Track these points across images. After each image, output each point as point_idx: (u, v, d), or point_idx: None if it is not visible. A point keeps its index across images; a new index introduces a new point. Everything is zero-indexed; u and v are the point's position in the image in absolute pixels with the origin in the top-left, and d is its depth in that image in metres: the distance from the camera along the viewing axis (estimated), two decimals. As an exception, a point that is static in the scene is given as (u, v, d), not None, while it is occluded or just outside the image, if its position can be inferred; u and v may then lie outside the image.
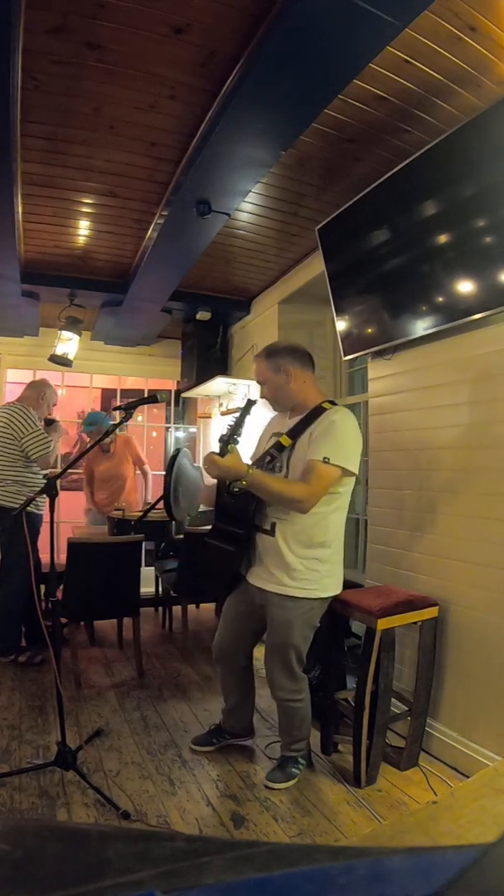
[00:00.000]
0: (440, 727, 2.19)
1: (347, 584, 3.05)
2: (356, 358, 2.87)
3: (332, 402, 1.93)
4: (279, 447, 1.89)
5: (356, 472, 1.84)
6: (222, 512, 1.94)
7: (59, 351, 4.04)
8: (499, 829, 0.60)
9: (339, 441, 1.78)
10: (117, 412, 2.02)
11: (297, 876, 0.33)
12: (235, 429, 1.73)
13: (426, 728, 2.15)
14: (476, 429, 2.15)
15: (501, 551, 2.00)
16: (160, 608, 4.19)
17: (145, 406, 2.35)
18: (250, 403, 1.74)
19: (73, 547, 2.91)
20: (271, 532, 1.86)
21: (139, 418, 5.70)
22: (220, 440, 1.74)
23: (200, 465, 2.43)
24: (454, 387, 2.25)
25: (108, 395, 5.64)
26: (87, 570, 2.90)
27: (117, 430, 3.74)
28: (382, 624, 1.97)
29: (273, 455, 1.89)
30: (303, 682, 1.99)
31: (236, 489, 1.70)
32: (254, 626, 2.05)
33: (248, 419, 1.79)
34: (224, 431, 1.75)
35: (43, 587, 2.46)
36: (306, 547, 1.85)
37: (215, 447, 1.87)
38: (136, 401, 2.00)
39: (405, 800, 1.92)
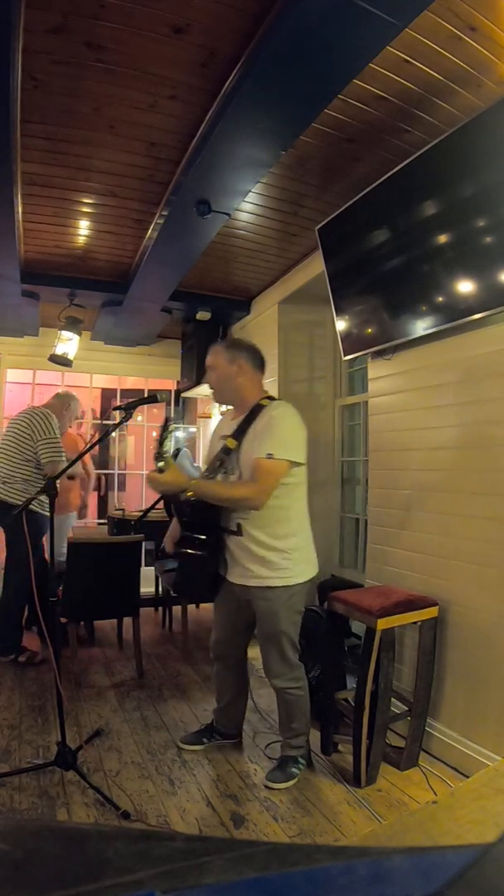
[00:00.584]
0: (440, 727, 2.19)
1: (347, 584, 3.06)
2: (356, 358, 2.87)
3: (271, 398, 1.98)
4: (226, 450, 1.94)
5: (303, 461, 1.90)
6: (186, 522, 2.00)
7: (59, 351, 4.04)
8: (499, 829, 0.59)
9: (281, 435, 1.83)
10: (117, 412, 2.03)
11: (297, 876, 0.33)
12: (160, 446, 1.79)
13: (426, 728, 2.15)
14: (476, 429, 2.15)
15: (501, 551, 2.00)
16: (160, 608, 4.19)
17: (145, 406, 2.36)
18: (167, 420, 1.82)
19: (73, 547, 2.91)
20: (239, 532, 1.90)
21: (139, 418, 5.70)
22: (155, 458, 1.80)
23: (200, 464, 2.43)
24: (454, 387, 2.25)
25: (108, 395, 5.64)
26: (87, 570, 2.90)
27: (116, 430, 3.74)
28: (382, 624, 1.97)
29: (222, 459, 1.95)
30: (299, 669, 2.01)
31: (191, 497, 1.76)
32: (245, 621, 2.08)
33: (169, 434, 1.86)
34: (155, 453, 1.82)
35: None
36: (274, 539, 1.89)
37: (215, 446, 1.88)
38: (135, 401, 2.00)
39: (405, 800, 1.92)
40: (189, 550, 1.99)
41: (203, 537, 1.94)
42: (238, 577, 1.95)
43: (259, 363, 2.03)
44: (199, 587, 2.12)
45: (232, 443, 1.92)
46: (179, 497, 1.79)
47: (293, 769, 2.03)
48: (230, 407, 2.15)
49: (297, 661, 2.00)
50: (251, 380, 2.00)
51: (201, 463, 2.13)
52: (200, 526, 1.95)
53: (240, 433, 1.93)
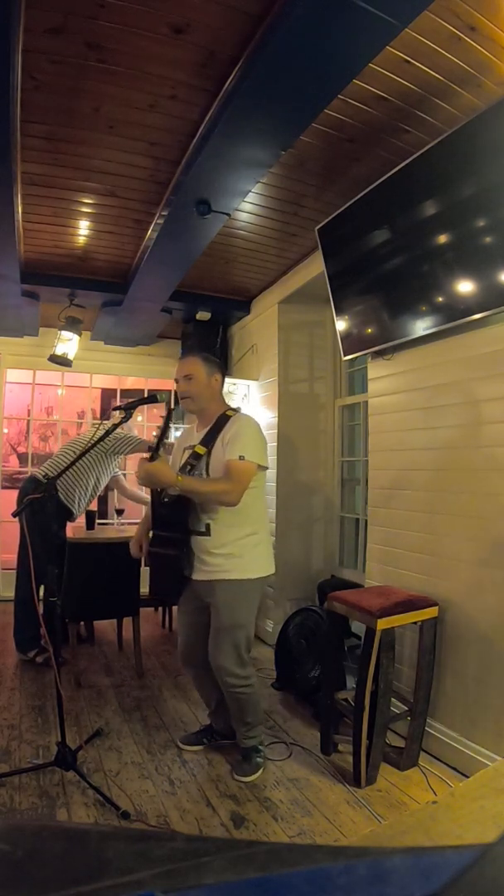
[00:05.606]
0: (440, 727, 2.19)
1: (347, 584, 3.06)
2: (356, 358, 2.87)
3: (235, 410, 2.15)
4: (196, 456, 2.06)
5: (267, 465, 2.08)
6: (159, 521, 2.08)
7: (59, 351, 4.03)
8: (499, 829, 0.59)
9: (249, 441, 1.98)
10: (117, 412, 2.05)
11: (297, 876, 0.33)
12: (162, 437, 1.85)
13: (426, 728, 2.15)
14: (476, 429, 2.15)
15: (502, 551, 2.00)
16: (160, 608, 4.19)
17: (145, 406, 2.37)
18: (170, 412, 1.90)
19: (73, 547, 2.91)
20: (207, 533, 2.02)
21: (139, 418, 5.69)
22: (149, 449, 1.86)
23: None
24: (454, 387, 2.25)
25: (108, 395, 5.63)
26: (87, 569, 2.90)
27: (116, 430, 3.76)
28: (382, 624, 1.98)
29: (192, 464, 2.07)
30: (249, 668, 2.08)
31: (167, 498, 1.85)
32: (208, 621, 2.11)
33: (171, 425, 1.89)
34: (152, 443, 1.88)
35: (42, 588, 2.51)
36: (238, 538, 2.03)
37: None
38: (135, 401, 2.01)
39: (405, 800, 1.92)
40: (161, 550, 2.08)
41: (174, 536, 2.04)
42: (202, 573, 2.04)
43: (224, 379, 2.23)
44: (170, 586, 2.21)
45: (202, 449, 2.05)
46: (162, 495, 1.87)
47: (257, 759, 2.11)
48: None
49: (249, 659, 2.08)
50: (220, 394, 2.19)
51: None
52: (173, 524, 2.05)
53: (208, 441, 2.05)
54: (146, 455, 1.83)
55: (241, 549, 2.01)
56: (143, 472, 1.84)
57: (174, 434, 4.58)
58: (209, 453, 2.04)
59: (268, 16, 1.56)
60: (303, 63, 1.59)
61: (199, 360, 2.13)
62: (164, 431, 1.84)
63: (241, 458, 1.92)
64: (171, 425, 1.87)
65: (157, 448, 1.81)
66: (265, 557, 2.11)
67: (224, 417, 2.08)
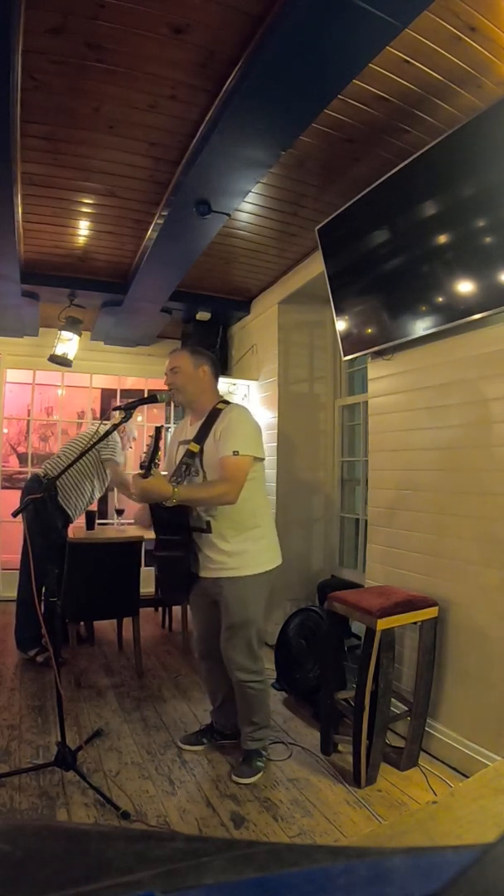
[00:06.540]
0: (440, 727, 2.19)
1: (347, 585, 3.07)
2: (356, 358, 2.87)
3: (226, 402, 2.10)
4: (191, 454, 2.04)
5: (264, 456, 2.06)
6: (161, 524, 2.06)
7: (59, 351, 4.03)
8: (499, 829, 0.59)
9: (242, 433, 1.95)
10: (117, 412, 2.05)
11: (297, 876, 0.33)
12: (153, 454, 1.83)
13: (426, 728, 2.15)
14: (476, 429, 2.15)
15: (501, 551, 2.00)
16: (160, 608, 4.19)
17: (145, 406, 2.37)
18: (158, 430, 1.88)
19: (73, 547, 2.91)
20: (209, 530, 2.00)
21: (139, 418, 5.69)
22: (141, 466, 1.85)
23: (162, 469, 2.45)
24: (454, 387, 2.25)
25: (107, 395, 5.63)
26: (87, 569, 2.90)
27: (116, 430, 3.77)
28: (382, 624, 1.98)
29: (188, 463, 2.05)
30: (262, 662, 2.08)
31: (169, 503, 1.84)
32: (220, 616, 2.11)
33: (160, 443, 1.90)
34: (143, 459, 1.85)
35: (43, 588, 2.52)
36: (240, 532, 2.01)
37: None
38: (135, 401, 2.01)
39: (405, 800, 1.92)
40: (166, 553, 2.07)
41: (178, 538, 2.03)
42: (208, 571, 2.03)
43: (217, 372, 2.18)
44: (178, 587, 2.20)
45: (195, 447, 2.04)
46: (162, 503, 1.85)
47: (258, 763, 2.09)
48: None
49: (260, 654, 2.07)
50: (210, 386, 2.15)
51: (163, 468, 2.18)
52: (174, 527, 2.03)
53: (201, 437, 2.03)
54: (140, 472, 1.81)
55: (244, 545, 2.00)
56: (139, 490, 1.80)
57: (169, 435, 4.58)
58: (202, 450, 2.02)
59: (268, 16, 1.56)
60: (303, 63, 1.59)
61: (185, 353, 2.13)
62: (154, 450, 1.82)
63: (235, 453, 1.90)
64: (161, 444, 1.86)
65: (149, 464, 1.80)
66: (270, 550, 2.09)
67: (216, 411, 2.05)
